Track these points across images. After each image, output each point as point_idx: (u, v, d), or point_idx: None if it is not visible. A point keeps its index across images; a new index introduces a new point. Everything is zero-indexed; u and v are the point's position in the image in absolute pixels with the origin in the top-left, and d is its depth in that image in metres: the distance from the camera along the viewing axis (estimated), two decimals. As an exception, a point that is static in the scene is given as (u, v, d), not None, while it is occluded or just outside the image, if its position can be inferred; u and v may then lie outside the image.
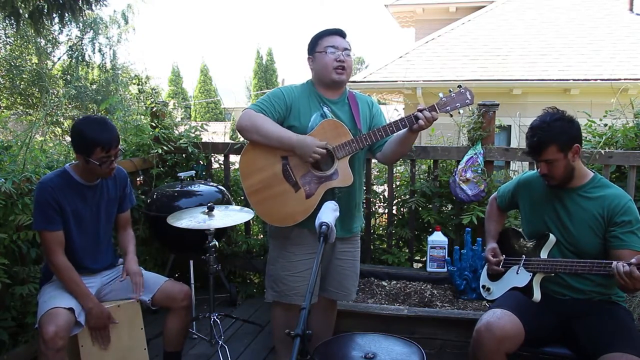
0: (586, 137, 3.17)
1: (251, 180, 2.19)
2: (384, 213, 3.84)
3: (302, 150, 2.08)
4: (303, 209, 2.13)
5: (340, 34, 2.22)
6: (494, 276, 2.29)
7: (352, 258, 2.39)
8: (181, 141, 3.65)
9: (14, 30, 13.34)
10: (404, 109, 6.63)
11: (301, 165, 2.14)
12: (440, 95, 2.11)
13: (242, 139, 3.54)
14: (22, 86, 14.43)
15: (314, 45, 2.23)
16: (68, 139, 2.23)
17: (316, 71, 2.22)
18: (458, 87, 2.12)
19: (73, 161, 2.27)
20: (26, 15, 6.39)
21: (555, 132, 1.95)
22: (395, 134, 2.17)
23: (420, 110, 2.03)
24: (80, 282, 2.17)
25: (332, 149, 2.12)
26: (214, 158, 3.85)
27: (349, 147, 2.12)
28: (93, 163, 2.12)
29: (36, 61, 15.15)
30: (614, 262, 1.80)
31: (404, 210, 3.66)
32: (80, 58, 16.03)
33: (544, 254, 2.08)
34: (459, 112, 2.15)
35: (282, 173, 2.15)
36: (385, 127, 2.12)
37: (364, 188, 3.52)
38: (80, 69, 16.11)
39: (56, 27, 14.47)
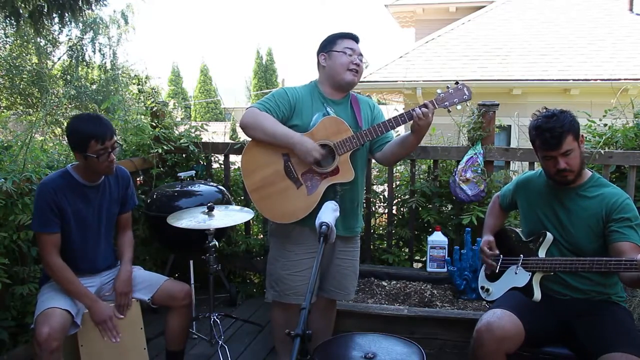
0: (586, 137, 3.17)
1: (253, 177, 2.19)
2: (384, 213, 3.84)
3: (301, 152, 2.10)
4: (305, 206, 2.14)
5: (357, 40, 2.26)
6: (493, 276, 2.29)
7: (352, 258, 2.39)
8: (181, 141, 3.65)
9: (14, 30, 13.34)
10: (403, 109, 6.63)
11: (303, 162, 2.15)
12: (438, 91, 2.11)
13: (242, 138, 3.55)
14: (22, 86, 14.44)
15: (331, 44, 2.23)
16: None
17: (329, 68, 2.22)
18: (455, 83, 2.12)
19: (74, 162, 2.27)
20: (26, 15, 6.39)
21: (567, 122, 1.95)
22: (398, 137, 2.20)
23: (419, 107, 2.05)
24: (77, 281, 2.16)
25: (333, 145, 2.13)
26: (214, 158, 3.85)
27: (349, 143, 2.13)
28: (91, 157, 2.11)
29: (36, 61, 15.15)
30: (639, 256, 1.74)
31: (404, 210, 3.66)
32: (80, 58, 16.05)
33: (541, 253, 2.08)
34: (457, 108, 2.15)
35: (283, 170, 2.16)
36: (385, 123, 2.13)
37: (365, 188, 3.53)
38: (80, 69, 16.11)
39: (56, 27, 14.48)
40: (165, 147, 3.59)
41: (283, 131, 2.12)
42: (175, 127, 3.80)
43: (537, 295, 2.05)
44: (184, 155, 3.73)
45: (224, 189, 3.37)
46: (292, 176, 2.16)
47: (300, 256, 2.24)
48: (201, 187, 3.27)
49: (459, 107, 2.14)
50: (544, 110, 2.03)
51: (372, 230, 3.72)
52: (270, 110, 2.15)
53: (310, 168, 2.15)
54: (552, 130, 1.94)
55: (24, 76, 14.35)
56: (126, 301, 2.26)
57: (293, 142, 2.11)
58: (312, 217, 2.09)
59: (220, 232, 3.06)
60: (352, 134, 2.14)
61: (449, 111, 2.15)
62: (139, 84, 3.83)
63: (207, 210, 2.71)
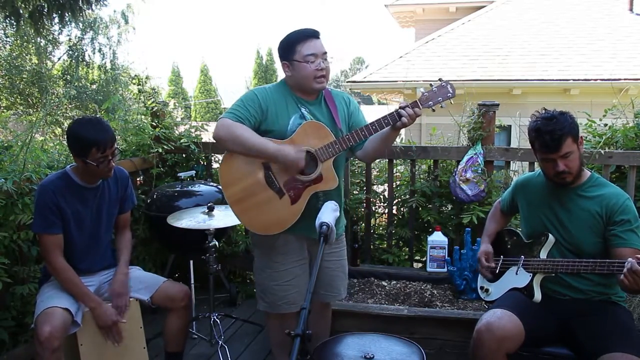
0: (586, 137, 3.17)
1: (233, 189, 2.09)
2: (384, 213, 3.83)
3: (285, 164, 2.02)
4: (289, 216, 2.07)
5: (317, 36, 2.10)
6: (492, 277, 2.29)
7: (340, 258, 2.35)
8: (182, 140, 3.65)
9: (14, 30, 13.35)
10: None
11: (284, 170, 2.07)
12: (422, 90, 2.06)
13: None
14: (22, 86, 14.46)
15: (291, 52, 2.08)
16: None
17: (295, 79, 2.12)
18: (439, 80, 2.06)
19: (73, 163, 2.27)
20: (26, 15, 6.41)
21: (566, 124, 1.94)
22: (378, 133, 2.10)
23: (403, 108, 1.98)
24: (80, 283, 2.17)
25: (314, 152, 2.06)
26: (214, 158, 3.85)
27: (332, 148, 2.05)
28: (91, 164, 2.11)
29: (36, 61, 15.16)
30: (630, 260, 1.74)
31: (404, 210, 3.66)
32: (80, 58, 16.06)
33: (543, 254, 2.08)
34: (441, 107, 2.07)
35: (264, 180, 2.07)
36: (369, 126, 2.05)
37: (365, 188, 3.54)
38: (80, 69, 16.13)
39: (56, 27, 14.49)
40: (165, 147, 3.59)
41: (261, 143, 2.01)
42: (175, 127, 3.80)
43: (538, 296, 2.05)
44: (184, 155, 3.73)
45: (224, 189, 3.37)
46: (274, 186, 2.07)
47: (286, 266, 2.19)
48: (201, 187, 3.27)
49: (443, 105, 2.06)
50: (543, 112, 2.02)
51: (372, 230, 3.71)
52: (242, 118, 2.03)
53: (292, 177, 2.06)
54: (552, 132, 1.93)
55: (24, 76, 14.36)
56: (123, 302, 2.25)
57: (273, 155, 2.01)
58: (297, 225, 2.07)
59: (220, 232, 3.06)
60: (333, 140, 2.05)
61: (433, 110, 2.05)
62: (139, 84, 3.82)
63: (207, 211, 2.71)
